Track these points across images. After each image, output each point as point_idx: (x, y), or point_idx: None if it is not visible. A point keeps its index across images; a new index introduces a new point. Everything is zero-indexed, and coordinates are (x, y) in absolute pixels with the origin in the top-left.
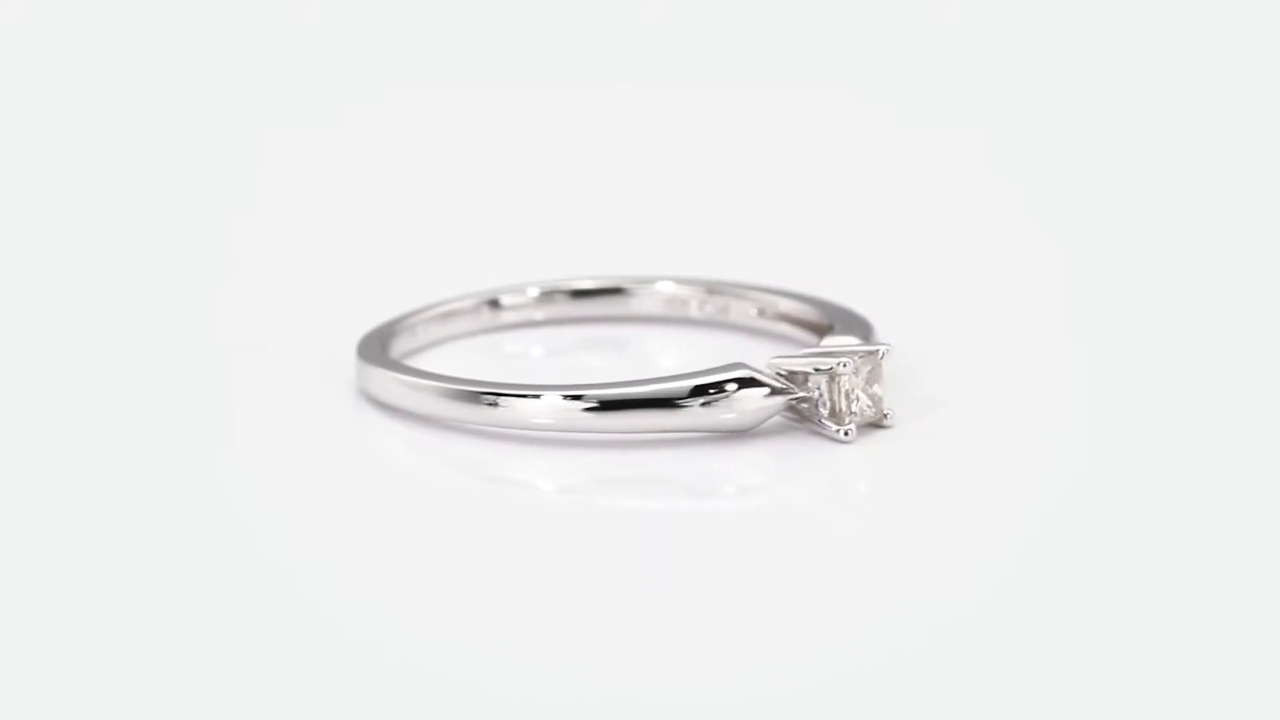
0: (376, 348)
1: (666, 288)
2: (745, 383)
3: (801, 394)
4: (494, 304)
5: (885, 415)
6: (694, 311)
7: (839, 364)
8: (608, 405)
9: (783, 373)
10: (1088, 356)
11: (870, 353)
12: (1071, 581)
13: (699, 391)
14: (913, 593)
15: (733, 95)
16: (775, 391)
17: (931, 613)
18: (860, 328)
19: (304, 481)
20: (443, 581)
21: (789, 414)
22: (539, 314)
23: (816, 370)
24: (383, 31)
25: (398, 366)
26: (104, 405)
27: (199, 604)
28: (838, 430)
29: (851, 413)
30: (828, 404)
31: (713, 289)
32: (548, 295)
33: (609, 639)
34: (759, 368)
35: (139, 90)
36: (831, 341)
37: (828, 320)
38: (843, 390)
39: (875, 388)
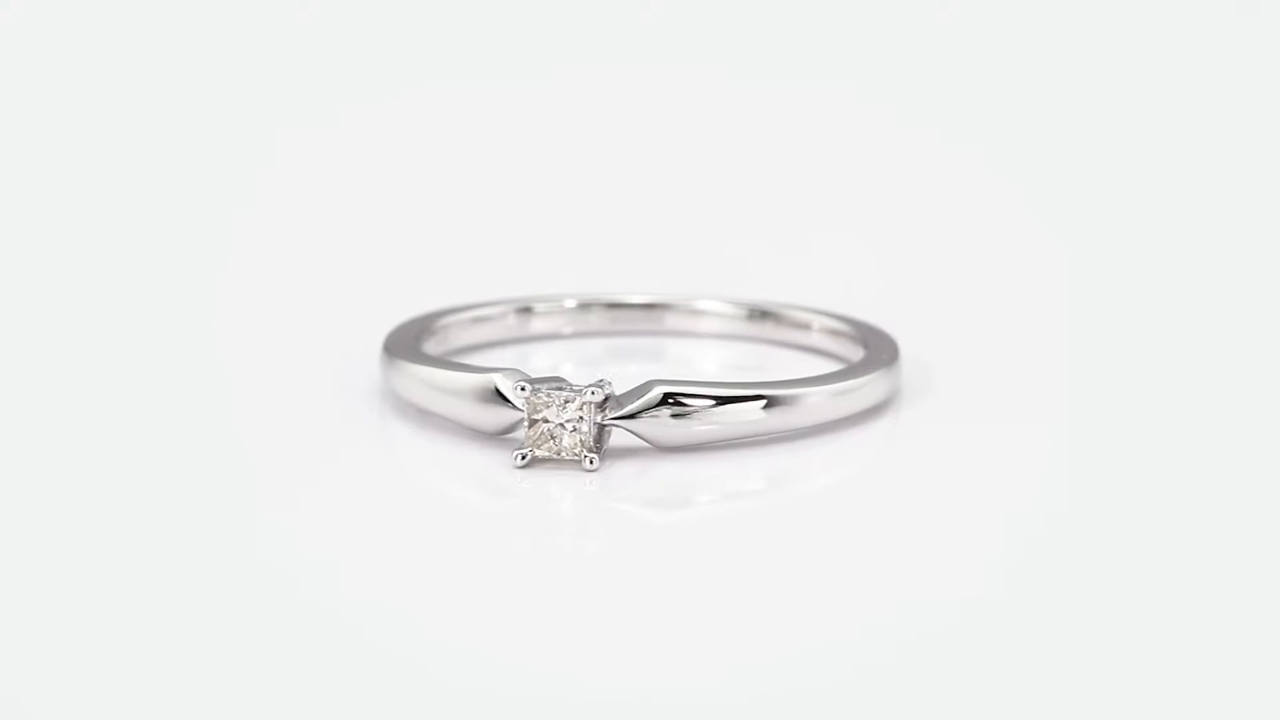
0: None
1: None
2: (488, 386)
3: (522, 414)
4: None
5: (587, 458)
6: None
7: (517, 386)
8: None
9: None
10: (1088, 365)
11: (573, 392)
12: (1063, 586)
13: (452, 385)
14: (904, 589)
15: (755, 102)
16: (502, 401)
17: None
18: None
19: (318, 480)
20: (429, 580)
21: None
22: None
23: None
24: (428, 38)
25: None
26: (140, 408)
27: (211, 606)
28: (513, 452)
29: (546, 444)
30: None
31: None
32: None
33: (621, 641)
34: (529, 379)
35: (168, 93)
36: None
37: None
38: (532, 418)
39: (585, 426)
